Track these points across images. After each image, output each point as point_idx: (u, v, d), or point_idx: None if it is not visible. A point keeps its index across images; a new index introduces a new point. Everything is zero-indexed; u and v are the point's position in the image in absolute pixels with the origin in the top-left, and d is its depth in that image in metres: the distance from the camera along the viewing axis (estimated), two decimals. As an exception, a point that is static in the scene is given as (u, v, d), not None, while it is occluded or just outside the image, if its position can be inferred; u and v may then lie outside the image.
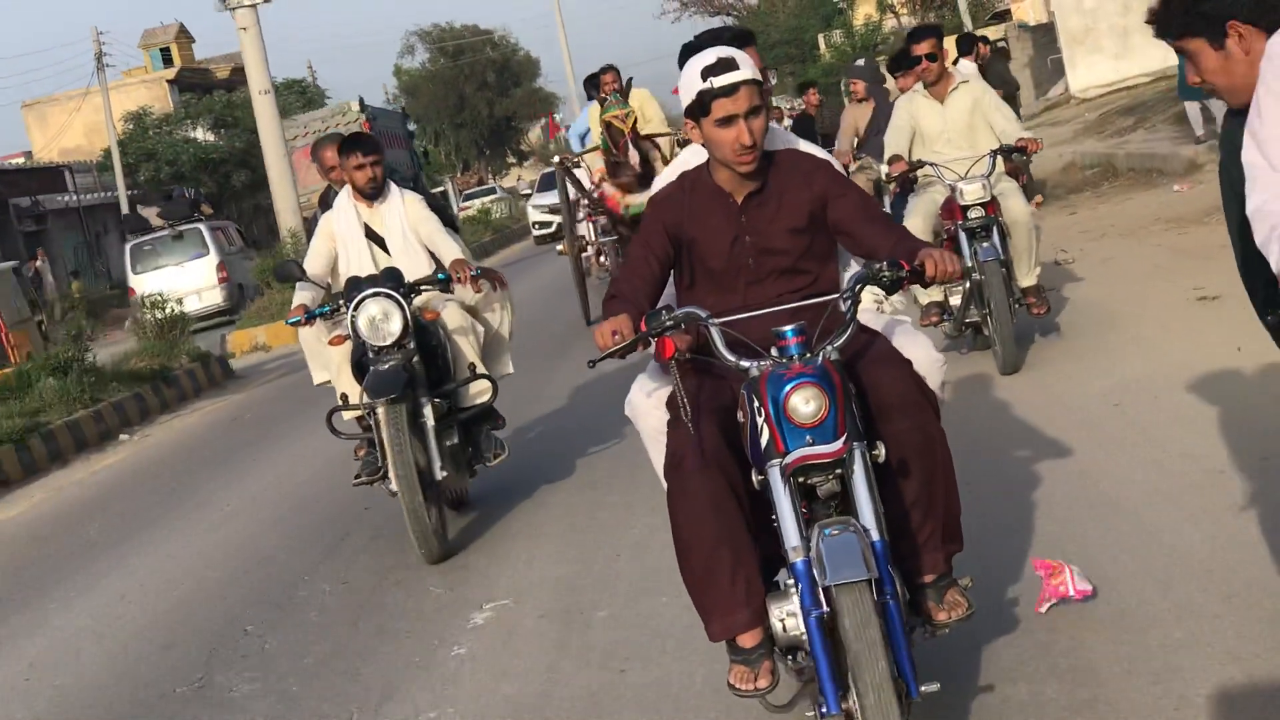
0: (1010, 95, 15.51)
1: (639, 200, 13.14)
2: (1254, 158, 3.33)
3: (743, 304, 4.24)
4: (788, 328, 3.87)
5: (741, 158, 4.15)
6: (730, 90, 4.09)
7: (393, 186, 7.62)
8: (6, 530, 10.39)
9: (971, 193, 8.70)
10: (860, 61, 14.64)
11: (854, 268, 4.52)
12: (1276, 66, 3.27)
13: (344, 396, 7.30)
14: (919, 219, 9.00)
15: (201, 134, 49.24)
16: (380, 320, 6.93)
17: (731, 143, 4.13)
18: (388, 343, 6.94)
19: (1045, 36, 33.43)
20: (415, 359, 7.03)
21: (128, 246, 28.91)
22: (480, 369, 7.43)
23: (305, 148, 22.37)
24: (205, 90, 56.15)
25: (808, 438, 3.73)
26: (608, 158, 13.64)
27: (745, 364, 3.90)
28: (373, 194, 7.51)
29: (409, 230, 7.56)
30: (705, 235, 4.32)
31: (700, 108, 4.15)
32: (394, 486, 6.78)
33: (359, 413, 7.31)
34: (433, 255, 7.58)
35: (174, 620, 7.04)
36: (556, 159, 16.14)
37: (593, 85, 14.66)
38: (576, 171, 15.00)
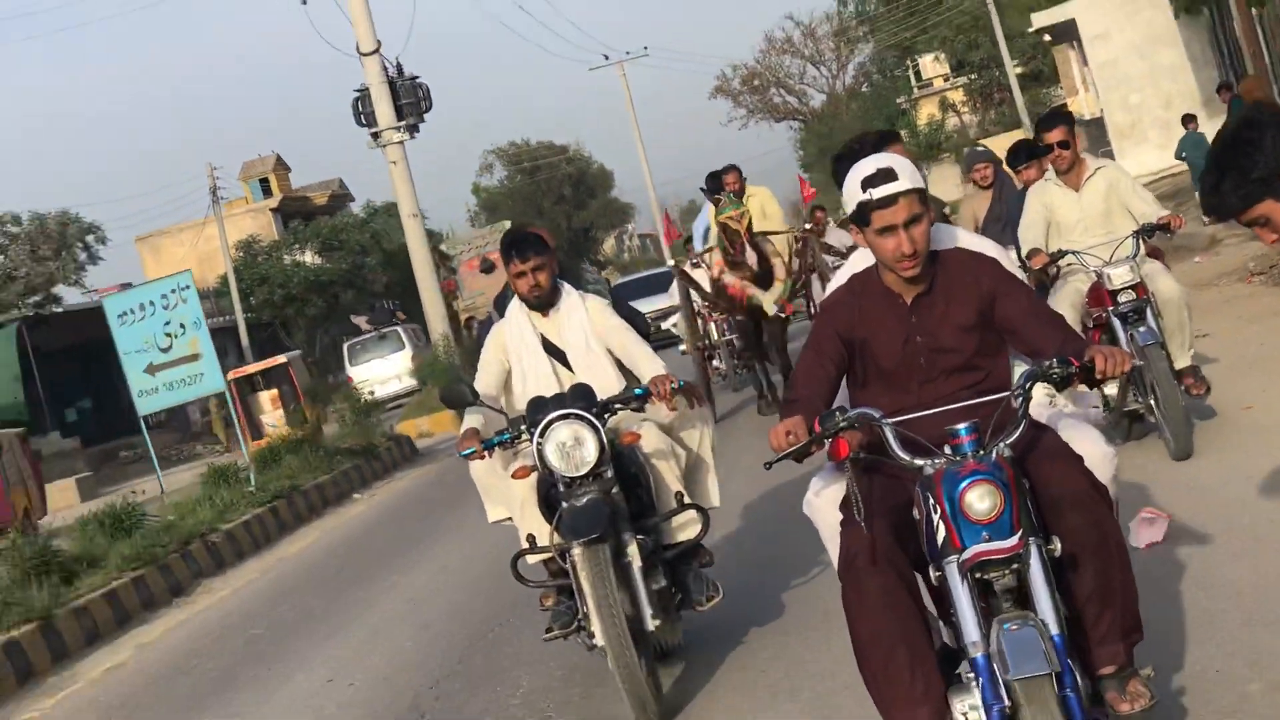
0: None
1: (758, 294, 14.28)
2: None
3: (916, 403, 4.40)
4: (961, 426, 4.02)
5: (903, 264, 4.37)
6: (889, 201, 4.29)
7: (569, 291, 6.93)
8: (304, 557, 14.01)
9: (1119, 276, 8.49)
10: (980, 147, 14.46)
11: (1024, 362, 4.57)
12: None
13: (530, 537, 6.44)
14: (1066, 309, 8.66)
15: (310, 257, 53.46)
16: (572, 446, 6.18)
17: (893, 251, 4.34)
18: (582, 472, 6.19)
19: (1097, 129, 36.45)
20: (614, 490, 6.28)
21: (345, 346, 38.03)
22: (687, 498, 6.60)
23: (472, 259, 26.49)
24: (306, 216, 60.61)
25: (984, 534, 3.88)
26: (726, 257, 14.22)
27: (919, 462, 4.05)
28: (538, 303, 6.82)
29: (593, 340, 6.84)
30: (877, 336, 4.50)
31: (861, 217, 4.36)
32: (597, 640, 6.04)
33: (548, 555, 6.45)
34: (622, 368, 6.90)
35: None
36: (674, 263, 16.52)
37: (712, 184, 15.17)
38: (696, 271, 15.26)
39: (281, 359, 30.75)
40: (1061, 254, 8.81)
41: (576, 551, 6.06)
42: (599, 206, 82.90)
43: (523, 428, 6.33)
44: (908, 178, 4.31)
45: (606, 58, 62.16)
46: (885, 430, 4.08)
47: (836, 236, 17.45)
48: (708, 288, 14.87)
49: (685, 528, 6.63)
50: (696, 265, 15.38)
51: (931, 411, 4.26)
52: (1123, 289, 8.48)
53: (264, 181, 65.30)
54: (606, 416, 6.38)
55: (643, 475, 6.53)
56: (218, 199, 52.02)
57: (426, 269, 26.26)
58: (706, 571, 6.75)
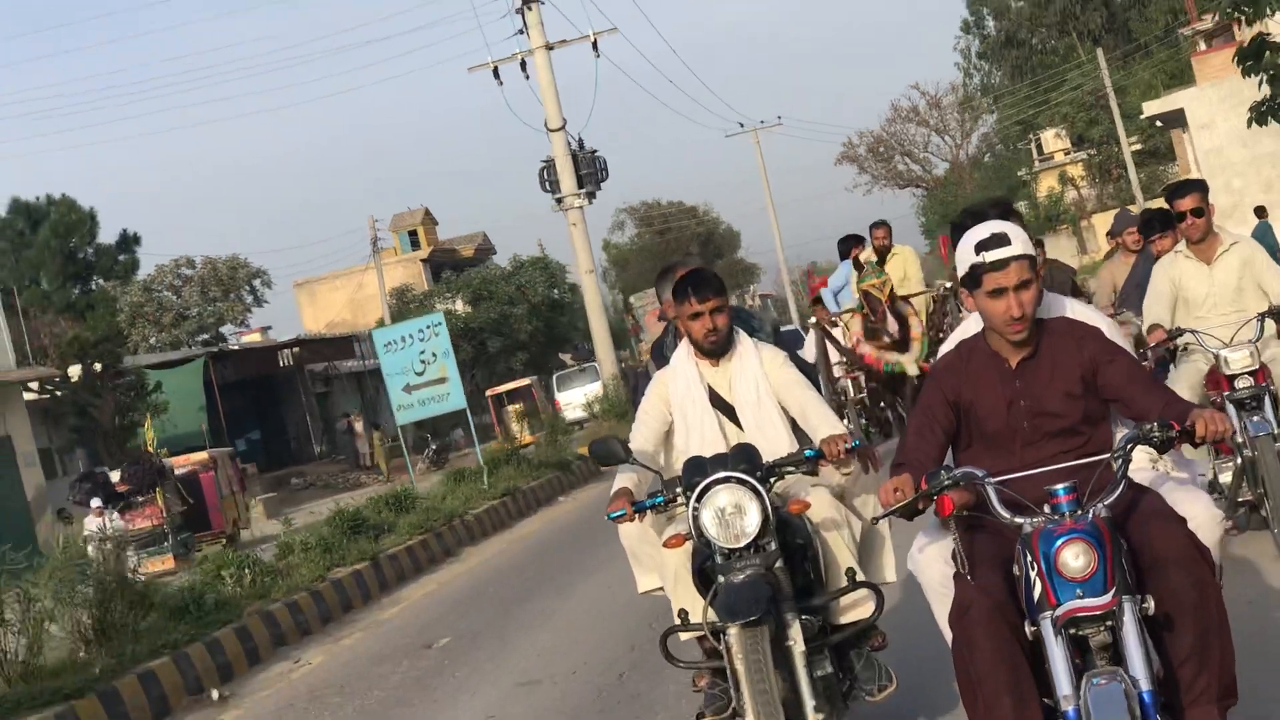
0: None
1: (897, 359, 14.76)
2: None
3: (1019, 464, 4.61)
4: (1059, 486, 4.29)
5: (1011, 327, 4.62)
6: (1001, 265, 4.55)
7: (744, 339, 6.47)
8: (534, 538, 18.26)
9: (1237, 360, 8.19)
10: (1132, 209, 15.25)
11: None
12: None
13: (682, 613, 6.00)
14: (1184, 390, 8.36)
15: (460, 306, 58.27)
16: (732, 514, 5.74)
17: (1002, 314, 4.59)
18: (742, 544, 5.72)
19: (1205, 210, 40.15)
20: (778, 564, 5.80)
21: (555, 376, 47.73)
22: (860, 575, 6.05)
23: (654, 309, 30.92)
24: (453, 267, 65.58)
25: (1078, 591, 4.13)
26: (866, 323, 14.56)
27: (1019, 520, 4.32)
28: (714, 350, 6.34)
29: (766, 396, 6.36)
30: (982, 399, 4.75)
31: (973, 280, 4.62)
32: None
33: (701, 632, 5.95)
34: (795, 429, 6.38)
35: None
36: (814, 320, 15.92)
37: (843, 247, 15.80)
38: (834, 330, 15.30)
39: (525, 381, 42.97)
40: (1180, 332, 8.61)
41: (732, 633, 5.62)
42: (725, 266, 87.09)
43: (678, 490, 5.90)
44: (1020, 244, 4.58)
45: (742, 125, 66.42)
46: (987, 489, 4.35)
47: None
48: (845, 345, 15.04)
49: (856, 607, 6.08)
50: (834, 324, 15.43)
51: (1033, 472, 4.49)
52: (1241, 374, 8.21)
53: (412, 234, 70.47)
54: (773, 481, 5.93)
55: (810, 547, 6.02)
56: (377, 249, 57.12)
57: (599, 317, 30.72)
58: (879, 657, 6.23)
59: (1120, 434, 4.73)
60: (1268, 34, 17.92)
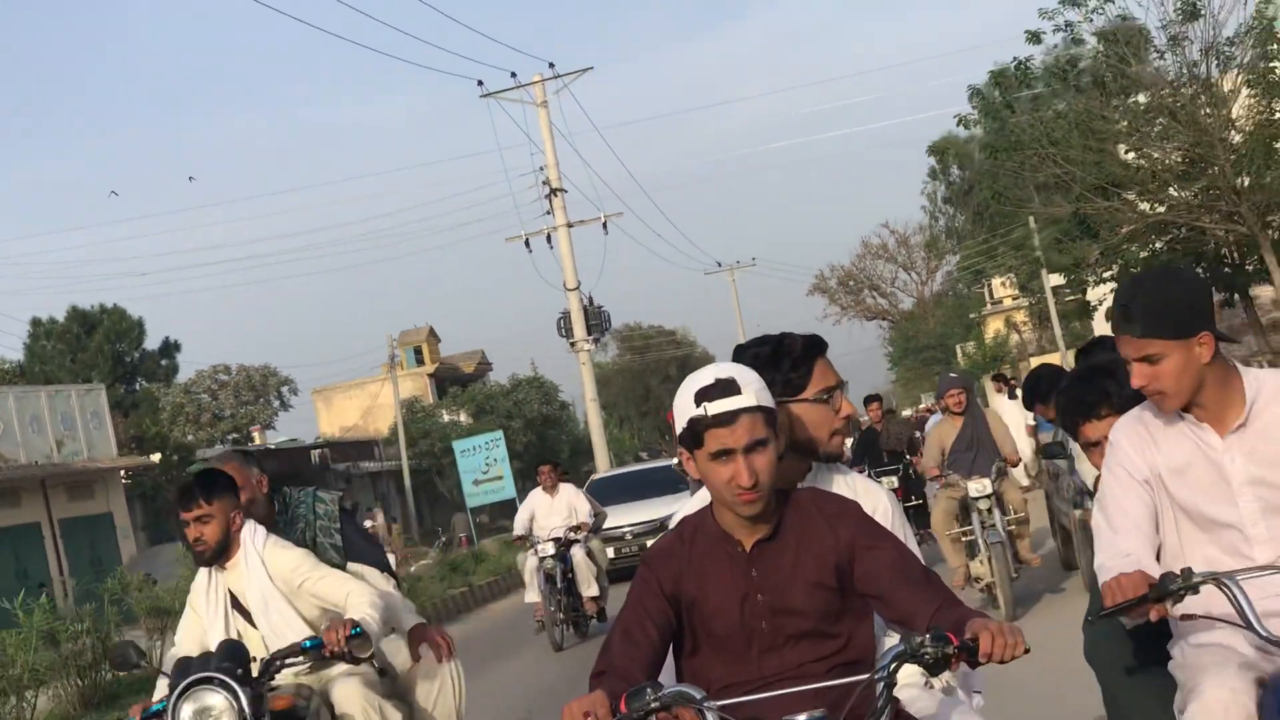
0: (896, 451, 18.62)
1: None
2: (1099, 523, 4.38)
3: (757, 674, 3.82)
4: (802, 716, 3.55)
5: (741, 499, 3.74)
6: (726, 420, 3.71)
7: (249, 537, 6.32)
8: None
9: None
10: (954, 373, 15.09)
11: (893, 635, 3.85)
12: (1114, 451, 4.43)
13: None
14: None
15: (464, 417, 68.54)
16: (207, 717, 5.54)
17: (727, 482, 3.73)
18: None
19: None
20: None
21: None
22: None
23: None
24: (456, 382, 76.02)
25: None
26: None
27: None
28: (203, 559, 6.32)
29: (270, 591, 6.25)
30: (708, 592, 3.85)
31: (693, 437, 3.77)
32: None
33: None
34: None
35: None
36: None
37: None
38: None
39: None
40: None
41: None
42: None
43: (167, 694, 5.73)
44: (752, 393, 3.73)
45: (719, 264, 77.01)
46: (707, 716, 3.52)
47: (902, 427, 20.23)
48: None
49: None
50: None
51: (771, 694, 3.66)
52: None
53: (417, 350, 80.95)
54: (267, 678, 5.78)
55: None
56: (394, 365, 67.55)
57: (600, 437, 40.93)
58: None
59: (885, 643, 3.91)
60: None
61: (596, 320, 40.90)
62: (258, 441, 64.15)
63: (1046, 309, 76.55)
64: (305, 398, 77.31)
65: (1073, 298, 59.62)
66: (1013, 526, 13.35)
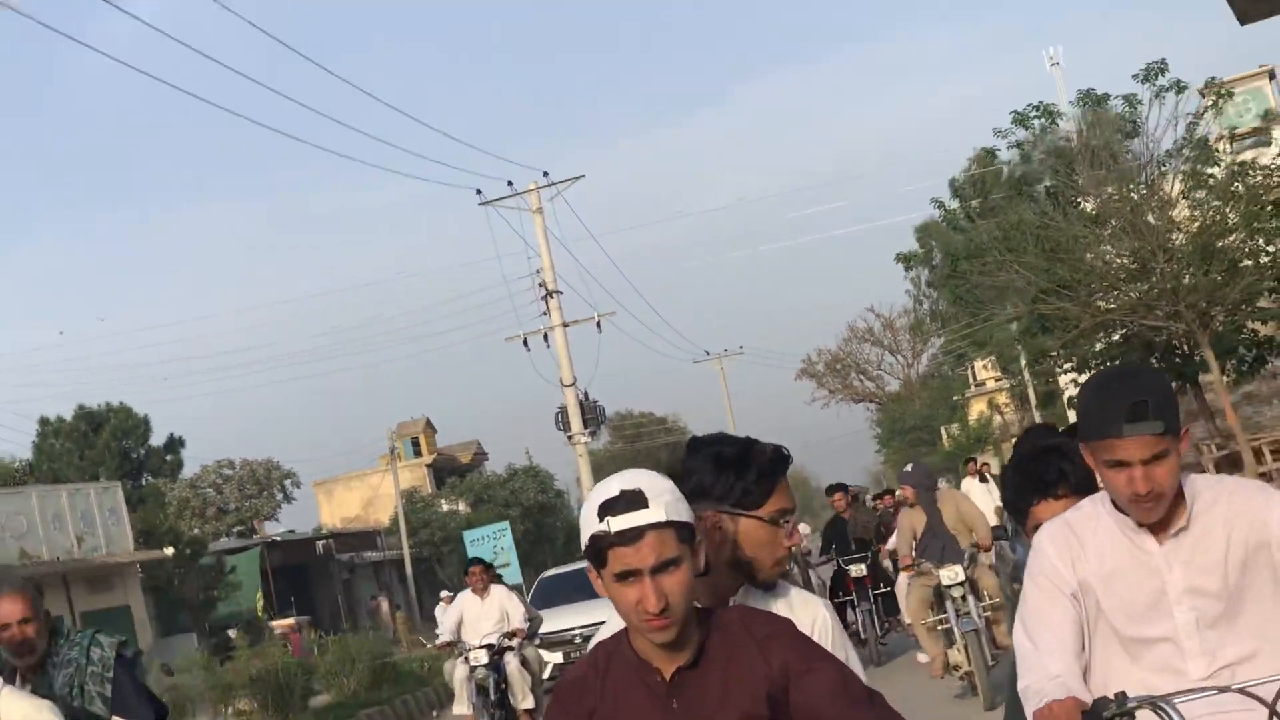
0: (864, 539, 18.72)
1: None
2: (1021, 640, 4.04)
3: None
4: None
5: (650, 624, 3.34)
6: (631, 537, 3.31)
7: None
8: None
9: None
10: (909, 467, 14.94)
11: None
12: (1039, 559, 4.14)
13: None
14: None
15: (462, 506, 70.95)
16: None
17: (634, 605, 3.34)
18: None
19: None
20: None
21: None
22: None
23: None
24: (453, 472, 78.51)
25: None
26: None
27: None
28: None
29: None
30: None
31: (596, 555, 3.37)
32: None
33: None
34: None
35: None
36: None
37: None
38: None
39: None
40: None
41: None
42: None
43: None
44: (662, 507, 3.35)
45: (708, 353, 79.71)
46: None
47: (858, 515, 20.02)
48: None
49: None
50: None
51: None
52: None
53: (414, 441, 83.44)
54: None
55: None
56: (394, 456, 70.02)
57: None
58: None
59: None
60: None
61: (592, 414, 43.47)
62: (260, 534, 66.70)
63: (1026, 391, 79.51)
64: (307, 490, 79.74)
65: (1043, 389, 62.18)
66: (989, 612, 13.50)
